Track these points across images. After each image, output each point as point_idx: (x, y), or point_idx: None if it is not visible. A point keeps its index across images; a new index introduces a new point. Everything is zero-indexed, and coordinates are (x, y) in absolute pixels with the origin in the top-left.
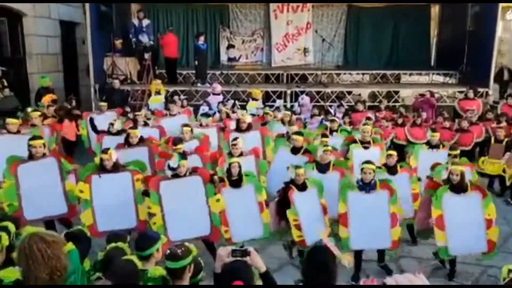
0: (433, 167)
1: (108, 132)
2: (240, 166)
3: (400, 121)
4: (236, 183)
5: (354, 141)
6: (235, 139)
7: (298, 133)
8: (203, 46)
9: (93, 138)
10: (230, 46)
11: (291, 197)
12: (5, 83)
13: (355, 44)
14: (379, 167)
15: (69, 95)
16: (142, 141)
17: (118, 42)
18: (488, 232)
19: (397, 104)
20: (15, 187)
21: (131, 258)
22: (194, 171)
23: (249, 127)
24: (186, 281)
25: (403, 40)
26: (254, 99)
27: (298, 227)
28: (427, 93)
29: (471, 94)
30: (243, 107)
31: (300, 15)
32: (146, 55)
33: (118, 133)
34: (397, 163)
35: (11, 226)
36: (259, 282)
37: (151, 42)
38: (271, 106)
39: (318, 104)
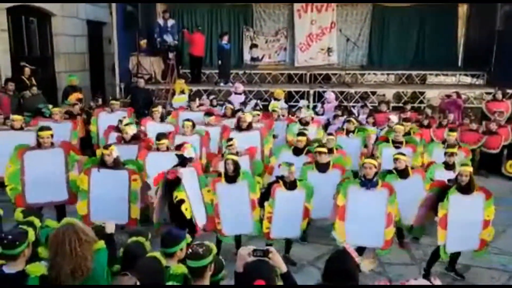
0: (428, 166)
1: (117, 129)
2: (235, 163)
3: (426, 122)
4: (231, 178)
5: (387, 141)
6: (230, 139)
7: (301, 133)
8: (226, 46)
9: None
10: (253, 46)
11: (274, 191)
12: (34, 82)
13: (380, 44)
14: (390, 172)
15: (95, 93)
16: (136, 138)
17: (143, 42)
18: (483, 232)
19: (422, 105)
20: (20, 172)
21: (156, 255)
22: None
23: (250, 127)
24: (206, 280)
25: (429, 39)
26: (276, 99)
27: (270, 220)
28: (453, 94)
29: (499, 95)
30: (266, 107)
31: (325, 15)
32: (171, 55)
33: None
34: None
35: (37, 221)
36: (279, 283)
37: (176, 42)
38: (293, 106)
39: (341, 104)
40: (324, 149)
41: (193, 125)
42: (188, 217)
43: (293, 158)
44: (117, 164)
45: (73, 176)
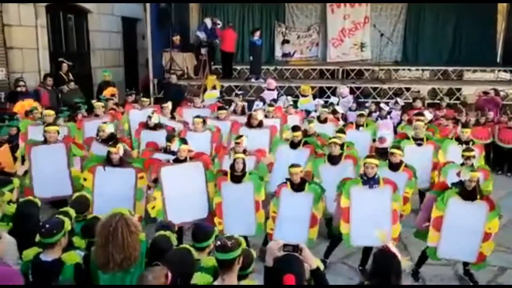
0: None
1: (146, 126)
2: (244, 163)
3: (463, 119)
4: (237, 178)
5: (407, 138)
6: (240, 137)
7: (296, 128)
8: (258, 42)
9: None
10: (285, 42)
11: (279, 192)
12: (71, 77)
13: (415, 39)
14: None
15: (129, 89)
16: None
17: (176, 38)
18: (483, 245)
19: (458, 102)
20: (29, 167)
21: (188, 247)
22: (195, 157)
23: (260, 124)
24: (235, 273)
25: (466, 35)
26: (303, 95)
27: (274, 220)
28: (491, 91)
29: None
30: (295, 103)
31: (358, 9)
32: (203, 50)
33: (155, 127)
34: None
35: (72, 211)
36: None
37: (217, 25)
38: (325, 102)
39: (375, 100)
40: (338, 141)
41: (204, 122)
42: (153, 215)
43: (291, 151)
44: (123, 163)
45: (75, 172)
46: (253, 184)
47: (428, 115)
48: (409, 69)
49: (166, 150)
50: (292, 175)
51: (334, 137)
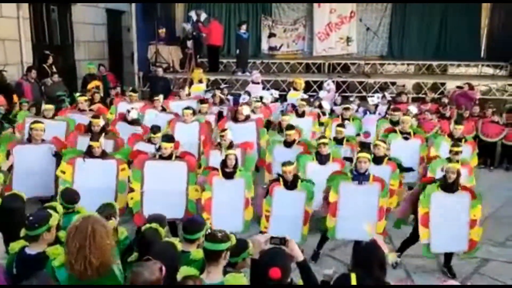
0: (429, 161)
1: (124, 119)
2: (236, 159)
3: (447, 114)
4: (229, 174)
5: (394, 131)
6: (224, 129)
7: (290, 127)
8: (244, 35)
9: None
10: (272, 35)
11: (272, 189)
12: (54, 69)
13: (401, 34)
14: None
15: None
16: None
17: (161, 31)
18: (471, 232)
19: (442, 96)
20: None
21: (172, 241)
22: (181, 157)
23: (246, 119)
24: (221, 267)
25: (451, 30)
26: (295, 89)
27: (267, 218)
28: (465, 86)
29: None
30: (284, 97)
31: (344, 4)
32: (189, 43)
33: (133, 122)
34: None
35: (59, 207)
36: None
37: (202, 21)
38: (311, 96)
39: (360, 95)
40: (327, 141)
41: (193, 113)
42: (130, 205)
43: (286, 150)
44: (104, 154)
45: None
46: (244, 181)
47: (413, 109)
48: (394, 64)
49: (150, 140)
50: (285, 173)
51: (322, 137)
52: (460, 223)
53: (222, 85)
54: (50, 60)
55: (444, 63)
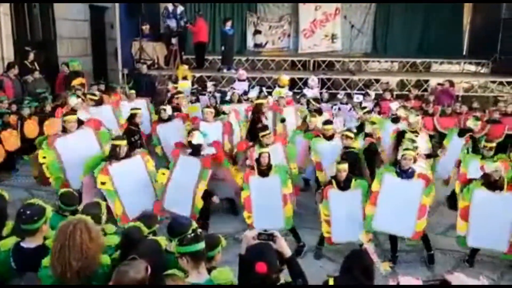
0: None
1: (160, 119)
2: (269, 157)
3: (430, 110)
4: (264, 172)
5: (403, 132)
6: (193, 129)
7: (328, 122)
8: (230, 32)
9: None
10: (257, 32)
11: (326, 194)
12: (36, 66)
13: (385, 31)
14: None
15: (97, 79)
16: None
17: (145, 27)
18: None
19: (425, 93)
20: (57, 161)
21: (156, 239)
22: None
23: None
24: (204, 265)
25: (434, 27)
26: (280, 86)
27: (328, 223)
28: (446, 83)
29: None
30: (270, 94)
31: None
32: (174, 40)
33: (169, 119)
34: None
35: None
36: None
37: (182, 23)
38: (297, 93)
39: (345, 92)
40: (352, 134)
41: (217, 111)
42: (157, 188)
43: (327, 144)
44: (127, 153)
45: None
46: (279, 178)
47: (394, 106)
48: (378, 61)
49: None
50: (340, 171)
51: (347, 130)
52: (503, 223)
53: (209, 83)
54: (32, 57)
55: (428, 60)
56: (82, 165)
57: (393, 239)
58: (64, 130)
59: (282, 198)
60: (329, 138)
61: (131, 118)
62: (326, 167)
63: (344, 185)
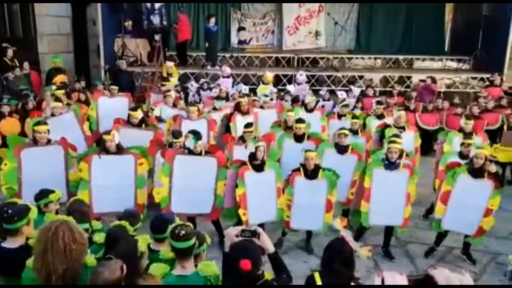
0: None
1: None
2: (264, 151)
3: (412, 106)
4: (259, 167)
5: (387, 126)
6: (251, 124)
7: (299, 120)
8: (213, 28)
9: (101, 120)
10: (241, 29)
11: (293, 180)
12: (17, 63)
13: (368, 28)
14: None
15: (79, 76)
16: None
17: (128, 24)
18: (484, 220)
19: (408, 89)
20: (17, 171)
21: (132, 238)
22: (210, 152)
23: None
24: (192, 259)
25: (417, 24)
26: (264, 83)
27: (289, 208)
28: (428, 79)
29: (498, 80)
30: (253, 91)
31: None
32: (157, 37)
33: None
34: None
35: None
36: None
37: (164, 23)
38: (282, 90)
39: (329, 88)
40: (347, 132)
41: (199, 110)
42: (157, 200)
43: (296, 145)
44: (120, 150)
45: (72, 176)
46: (274, 172)
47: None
48: (362, 58)
49: (171, 146)
50: (308, 159)
51: (342, 128)
52: (476, 209)
53: (202, 80)
54: (11, 53)
55: (410, 57)
56: (41, 184)
57: (388, 232)
58: (35, 140)
59: (276, 191)
60: (299, 138)
61: (128, 118)
62: (286, 163)
63: (311, 174)
